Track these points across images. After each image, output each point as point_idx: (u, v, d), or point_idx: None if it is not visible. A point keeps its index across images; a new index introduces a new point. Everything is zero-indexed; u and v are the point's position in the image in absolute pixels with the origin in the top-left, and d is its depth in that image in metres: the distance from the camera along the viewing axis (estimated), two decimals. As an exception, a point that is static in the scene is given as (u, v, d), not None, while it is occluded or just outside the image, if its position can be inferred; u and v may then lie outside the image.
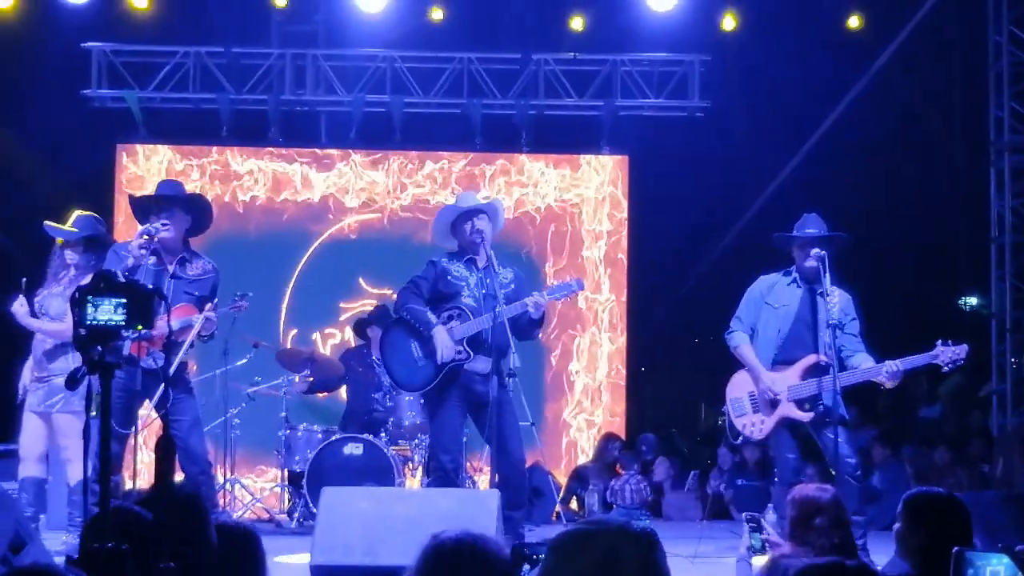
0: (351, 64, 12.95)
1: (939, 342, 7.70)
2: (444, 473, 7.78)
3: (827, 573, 3.67)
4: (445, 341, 7.71)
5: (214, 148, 12.82)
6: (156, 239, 7.64)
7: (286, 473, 10.47)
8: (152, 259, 7.68)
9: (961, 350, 7.69)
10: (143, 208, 8.01)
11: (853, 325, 7.99)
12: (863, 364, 7.79)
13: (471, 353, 7.75)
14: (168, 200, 7.91)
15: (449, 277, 7.86)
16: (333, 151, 12.96)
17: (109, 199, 12.53)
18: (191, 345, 7.81)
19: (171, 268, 7.82)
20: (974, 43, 13.00)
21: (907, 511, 4.58)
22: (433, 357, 7.76)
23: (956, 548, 4.25)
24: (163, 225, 7.66)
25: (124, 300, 4.01)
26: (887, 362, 7.70)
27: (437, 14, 12.80)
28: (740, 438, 8.25)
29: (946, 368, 7.78)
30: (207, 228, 8.24)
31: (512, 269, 8.13)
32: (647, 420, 14.28)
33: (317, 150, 12.99)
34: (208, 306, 7.81)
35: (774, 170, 13.62)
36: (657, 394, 16.64)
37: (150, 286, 5.31)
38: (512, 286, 7.92)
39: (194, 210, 8.07)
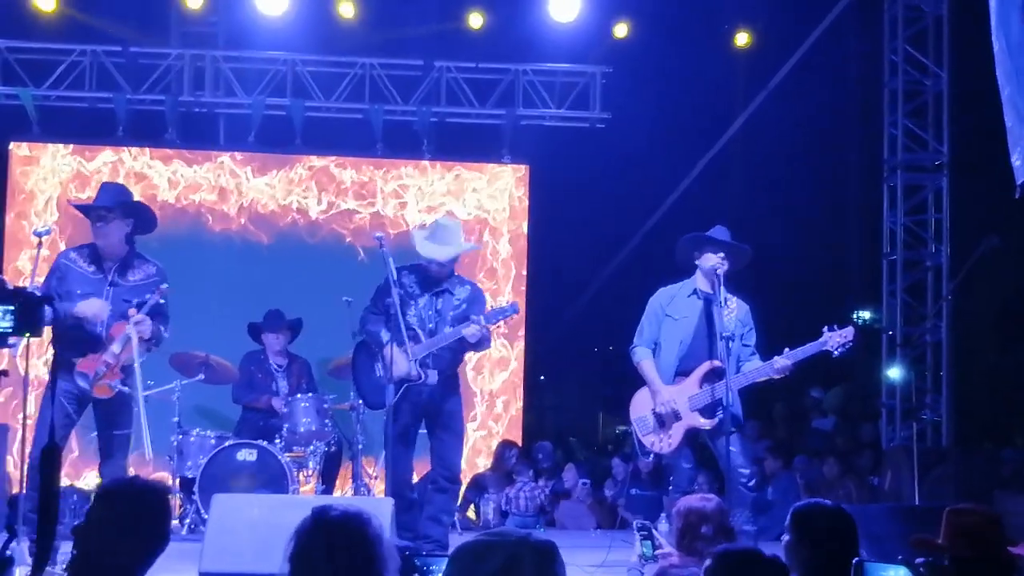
0: (251, 66, 12.81)
1: (825, 328, 7.79)
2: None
3: (743, 557, 3.77)
4: (396, 357, 7.87)
5: (109, 148, 12.60)
6: (44, 241, 7.44)
7: (178, 479, 10.31)
8: (91, 268, 7.50)
9: (848, 332, 7.75)
10: (83, 212, 7.78)
11: (749, 335, 8.05)
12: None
13: (425, 375, 7.97)
14: (103, 207, 7.59)
15: (402, 291, 8.02)
16: (229, 153, 12.79)
17: (0, 197, 12.29)
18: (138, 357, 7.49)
19: (110, 276, 7.56)
20: (870, 61, 13.22)
21: (795, 523, 4.63)
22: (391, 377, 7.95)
23: (856, 559, 4.31)
24: (47, 231, 7.41)
25: (11, 307, 3.95)
26: (775, 358, 7.79)
27: (347, 10, 12.72)
28: (651, 455, 8.38)
29: (836, 352, 7.81)
30: (152, 229, 7.88)
31: (469, 287, 8.36)
32: (546, 429, 14.30)
33: (213, 152, 12.80)
34: (131, 311, 7.45)
35: (673, 182, 13.76)
36: (555, 403, 16.70)
37: (39, 294, 5.22)
38: (463, 306, 8.14)
39: (133, 214, 7.71)
